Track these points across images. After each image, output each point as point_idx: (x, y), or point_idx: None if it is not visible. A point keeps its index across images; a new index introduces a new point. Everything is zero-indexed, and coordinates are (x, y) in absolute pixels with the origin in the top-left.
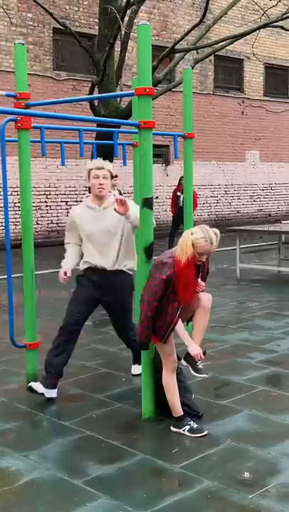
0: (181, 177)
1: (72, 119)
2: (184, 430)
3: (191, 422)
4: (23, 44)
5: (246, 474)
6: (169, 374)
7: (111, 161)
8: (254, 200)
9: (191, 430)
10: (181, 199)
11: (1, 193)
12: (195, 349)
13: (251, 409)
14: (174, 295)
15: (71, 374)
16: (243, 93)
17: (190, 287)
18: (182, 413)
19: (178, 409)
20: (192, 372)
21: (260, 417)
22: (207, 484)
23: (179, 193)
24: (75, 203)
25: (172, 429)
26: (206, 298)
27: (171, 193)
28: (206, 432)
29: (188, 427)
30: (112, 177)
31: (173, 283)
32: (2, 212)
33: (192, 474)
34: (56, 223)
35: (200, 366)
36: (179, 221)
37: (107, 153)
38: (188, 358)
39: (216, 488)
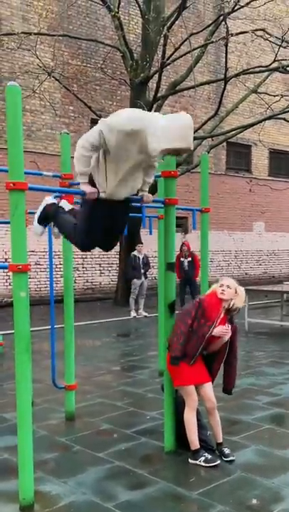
0: (182, 244)
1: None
2: (199, 461)
3: (206, 454)
4: (68, 133)
5: (254, 501)
6: (189, 411)
7: (139, 230)
8: (260, 264)
9: (206, 461)
10: (186, 263)
11: (47, 256)
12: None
13: (258, 445)
14: (203, 319)
15: (103, 412)
16: (251, 173)
17: (213, 312)
18: (198, 446)
19: (195, 443)
20: (222, 458)
21: (266, 451)
22: (220, 509)
23: (182, 259)
24: (108, 265)
25: (190, 460)
26: (209, 398)
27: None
28: (218, 462)
29: (203, 458)
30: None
31: (203, 308)
32: (45, 272)
33: (207, 500)
34: (91, 282)
35: (227, 451)
36: (185, 283)
37: (135, 224)
38: (218, 447)
39: None
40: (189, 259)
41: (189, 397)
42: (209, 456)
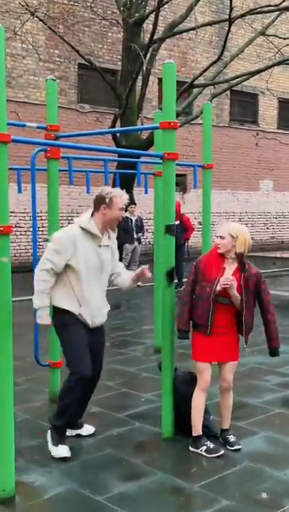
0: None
1: (101, 150)
2: (201, 450)
3: (208, 443)
4: (54, 80)
5: (264, 495)
6: (198, 392)
7: (132, 189)
8: (267, 228)
9: (207, 450)
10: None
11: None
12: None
13: (268, 431)
14: (204, 281)
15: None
16: (258, 126)
17: (213, 271)
18: (201, 433)
19: (198, 428)
20: (227, 446)
21: (277, 438)
22: (225, 504)
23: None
24: None
25: (190, 448)
26: (225, 378)
27: None
28: (222, 452)
29: (205, 447)
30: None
31: (200, 270)
32: (26, 236)
33: (210, 494)
34: None
35: (232, 439)
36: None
37: (128, 182)
38: (223, 434)
39: (234, 508)
40: (177, 222)
41: (199, 376)
42: (212, 445)
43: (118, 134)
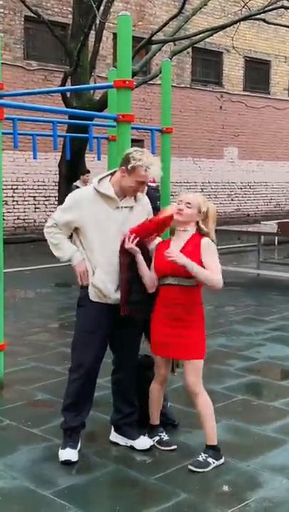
0: None
1: (50, 111)
2: (153, 440)
3: (162, 434)
4: None
5: (225, 488)
6: (155, 384)
7: (83, 155)
8: (232, 200)
9: (159, 442)
10: None
11: None
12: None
13: (230, 419)
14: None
15: (39, 379)
16: (222, 87)
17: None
18: (157, 423)
19: (153, 418)
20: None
21: (240, 427)
22: (184, 497)
23: None
24: (44, 198)
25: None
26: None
27: None
28: (174, 447)
29: (157, 438)
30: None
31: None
32: None
33: (167, 486)
34: (23, 219)
35: (165, 439)
36: None
37: (79, 147)
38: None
39: (193, 502)
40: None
41: (156, 369)
42: (165, 438)
43: (68, 94)
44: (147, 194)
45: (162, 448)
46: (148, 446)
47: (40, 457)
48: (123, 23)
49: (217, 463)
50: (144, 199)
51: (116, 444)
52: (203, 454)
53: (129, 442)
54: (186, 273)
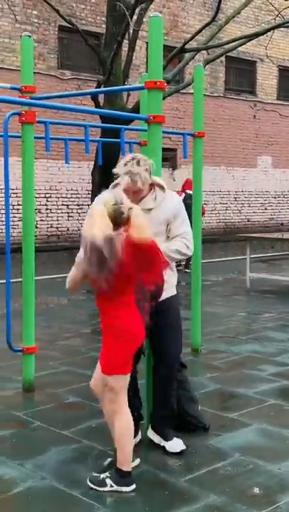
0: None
1: (80, 111)
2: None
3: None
4: (29, 37)
5: (256, 490)
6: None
7: (116, 162)
8: (265, 208)
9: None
10: None
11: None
12: None
13: (261, 423)
14: None
15: (70, 382)
16: (256, 96)
17: None
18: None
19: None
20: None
21: (271, 431)
22: (214, 499)
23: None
24: (77, 207)
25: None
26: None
27: None
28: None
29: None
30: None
31: None
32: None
33: (197, 488)
34: (56, 227)
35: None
36: None
37: (112, 153)
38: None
39: (223, 504)
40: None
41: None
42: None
43: (101, 103)
44: (183, 200)
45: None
46: (178, 450)
47: (70, 458)
48: (155, 24)
49: (116, 488)
50: (168, 204)
51: (151, 441)
52: (106, 473)
53: (162, 442)
54: None
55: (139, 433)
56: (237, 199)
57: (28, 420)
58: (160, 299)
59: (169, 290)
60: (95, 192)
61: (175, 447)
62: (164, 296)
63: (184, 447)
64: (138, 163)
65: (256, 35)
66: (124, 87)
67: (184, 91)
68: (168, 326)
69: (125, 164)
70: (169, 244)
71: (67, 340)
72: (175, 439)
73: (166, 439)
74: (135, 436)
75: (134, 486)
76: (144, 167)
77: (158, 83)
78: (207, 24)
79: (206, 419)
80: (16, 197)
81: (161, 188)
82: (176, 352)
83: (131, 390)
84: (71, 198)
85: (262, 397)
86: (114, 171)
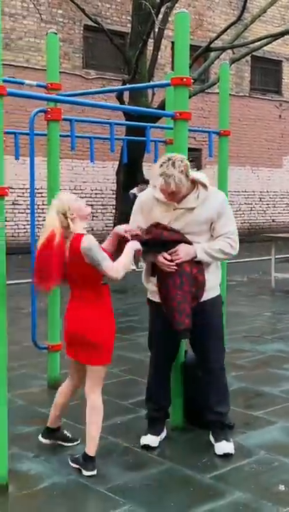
0: None
1: (106, 107)
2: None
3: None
4: (55, 34)
5: (281, 487)
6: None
7: (141, 162)
8: None
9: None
10: None
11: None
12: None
13: (286, 421)
14: None
15: None
16: (281, 96)
17: None
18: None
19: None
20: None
21: None
22: (239, 496)
23: None
24: (102, 207)
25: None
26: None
27: None
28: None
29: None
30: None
31: None
32: (25, 214)
33: (223, 485)
34: None
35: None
36: None
37: (137, 152)
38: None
39: (248, 500)
40: None
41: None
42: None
43: (126, 102)
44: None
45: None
46: (221, 453)
47: (98, 454)
48: (181, 20)
49: (84, 472)
50: (211, 202)
51: (176, 439)
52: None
53: (213, 442)
54: None
55: (164, 430)
56: (262, 199)
57: None
58: (201, 300)
59: (210, 291)
60: (119, 192)
61: (219, 450)
62: (206, 297)
63: (230, 451)
64: (173, 164)
65: (282, 34)
66: (151, 83)
67: (209, 90)
68: (209, 329)
69: (161, 165)
70: (211, 243)
71: None
72: (224, 441)
73: (215, 439)
74: (160, 433)
75: (95, 472)
76: (179, 169)
77: (184, 79)
78: (233, 23)
79: (231, 417)
80: (41, 197)
81: (204, 186)
82: (217, 357)
83: (162, 388)
84: (96, 197)
85: (287, 395)
86: (150, 171)
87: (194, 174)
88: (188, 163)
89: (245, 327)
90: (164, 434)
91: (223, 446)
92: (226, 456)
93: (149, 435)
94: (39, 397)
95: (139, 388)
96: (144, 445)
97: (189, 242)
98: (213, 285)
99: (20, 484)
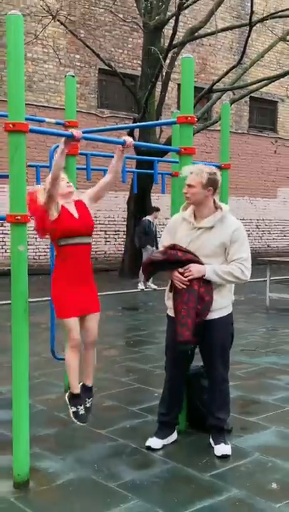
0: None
1: (118, 143)
2: (71, 408)
3: (80, 407)
4: (73, 76)
5: (274, 485)
6: (69, 350)
7: (150, 192)
8: (284, 235)
9: (75, 414)
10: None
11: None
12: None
13: (279, 426)
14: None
15: (107, 388)
16: (277, 133)
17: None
18: (78, 392)
19: (73, 386)
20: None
21: (288, 433)
22: (235, 493)
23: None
24: (114, 233)
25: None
26: (90, 334)
27: None
28: (84, 424)
29: (74, 409)
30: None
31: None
32: (44, 239)
33: (221, 483)
34: (94, 251)
35: (81, 412)
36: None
37: (146, 183)
38: (85, 392)
39: (244, 497)
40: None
41: (69, 334)
42: (81, 412)
43: (137, 139)
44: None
45: (74, 421)
46: (219, 454)
47: (106, 454)
48: (186, 64)
49: (69, 408)
50: (226, 228)
51: (180, 441)
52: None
53: (213, 444)
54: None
55: (174, 435)
56: (258, 227)
57: (69, 420)
58: (208, 318)
59: (219, 311)
60: (130, 219)
61: (218, 451)
62: (213, 316)
63: (227, 452)
64: (206, 169)
65: (278, 77)
66: (158, 122)
67: (211, 128)
68: (216, 347)
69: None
70: (222, 266)
71: (104, 350)
72: (222, 444)
73: (215, 442)
74: (165, 437)
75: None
76: (207, 170)
77: (189, 118)
78: (233, 67)
79: (229, 422)
80: None
81: (223, 211)
82: (221, 369)
83: (173, 395)
84: (108, 224)
85: (280, 403)
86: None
87: (219, 202)
88: (218, 179)
89: (243, 341)
90: (172, 438)
91: (222, 448)
92: (224, 457)
93: (154, 438)
94: (57, 402)
95: (147, 396)
96: (147, 446)
97: (201, 262)
98: (223, 305)
99: (40, 481)
